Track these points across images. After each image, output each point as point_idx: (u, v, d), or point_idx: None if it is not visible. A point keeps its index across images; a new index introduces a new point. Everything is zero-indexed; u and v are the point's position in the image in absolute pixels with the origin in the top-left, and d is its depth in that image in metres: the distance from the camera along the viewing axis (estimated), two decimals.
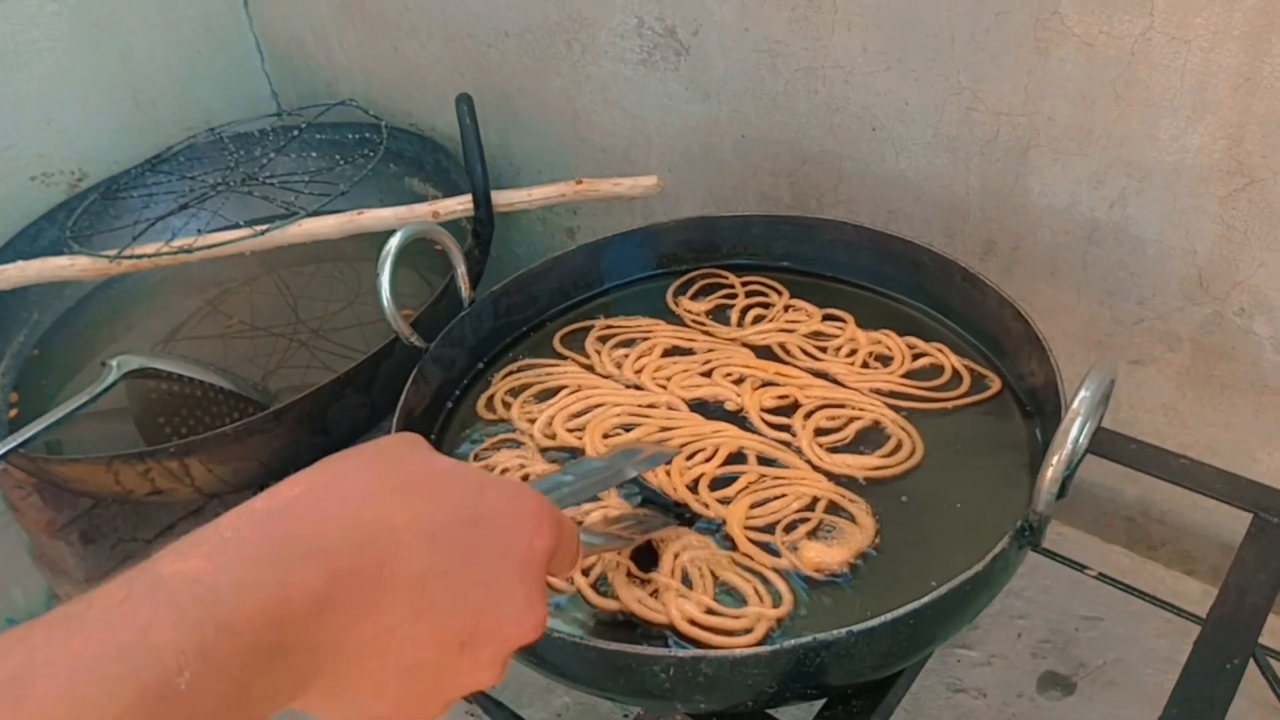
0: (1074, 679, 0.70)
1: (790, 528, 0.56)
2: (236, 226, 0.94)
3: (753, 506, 0.58)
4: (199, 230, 1.04)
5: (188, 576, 0.27)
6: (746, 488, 0.59)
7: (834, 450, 0.61)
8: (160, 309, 1.08)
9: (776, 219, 0.74)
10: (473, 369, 0.70)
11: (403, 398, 0.62)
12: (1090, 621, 0.72)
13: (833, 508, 0.57)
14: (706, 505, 0.58)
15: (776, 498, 0.58)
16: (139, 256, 0.92)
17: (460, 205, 0.91)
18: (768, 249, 0.75)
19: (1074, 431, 0.45)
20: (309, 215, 0.93)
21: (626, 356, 0.69)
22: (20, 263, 0.94)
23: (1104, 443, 0.63)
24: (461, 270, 0.69)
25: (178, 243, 0.92)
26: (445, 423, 0.67)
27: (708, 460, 0.61)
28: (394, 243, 0.63)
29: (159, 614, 0.26)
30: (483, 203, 0.89)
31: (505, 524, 0.34)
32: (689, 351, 0.69)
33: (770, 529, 0.56)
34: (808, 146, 0.81)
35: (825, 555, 0.54)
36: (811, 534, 0.56)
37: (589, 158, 0.97)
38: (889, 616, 0.45)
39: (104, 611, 0.26)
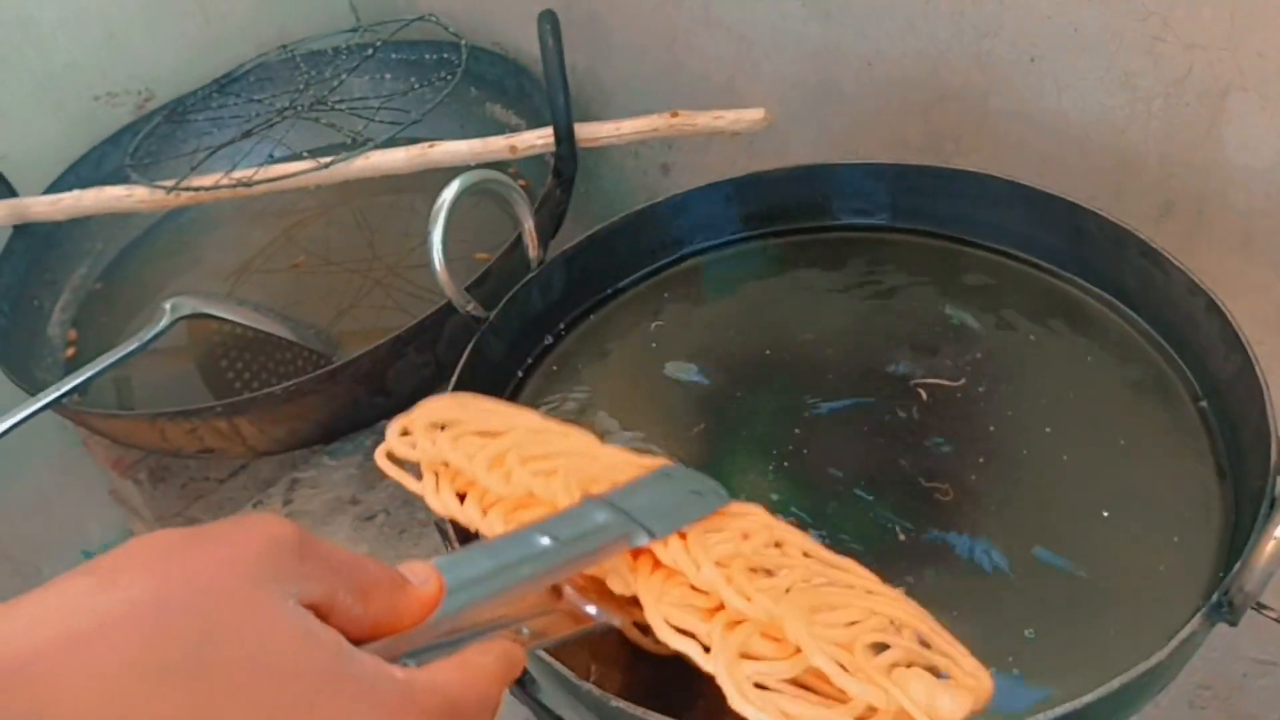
0: None
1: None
2: (301, 157, 0.86)
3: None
4: (270, 156, 0.97)
5: None
6: (793, 587, 0.38)
7: None
8: (231, 240, 1.02)
9: (907, 169, 0.61)
10: (540, 341, 0.61)
11: (454, 377, 0.54)
12: (1263, 666, 0.61)
13: (921, 643, 0.37)
14: (748, 597, 0.36)
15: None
16: (196, 189, 0.85)
17: (540, 139, 0.81)
18: (893, 204, 0.63)
19: None
20: (377, 147, 0.84)
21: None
22: (76, 192, 0.88)
23: None
24: (528, 226, 0.59)
25: (237, 174, 0.85)
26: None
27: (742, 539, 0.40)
28: (447, 196, 0.54)
29: None
30: (565, 137, 0.79)
31: None
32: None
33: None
34: (948, 79, 0.68)
35: (940, 696, 0.33)
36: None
37: (687, 86, 0.85)
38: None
39: None
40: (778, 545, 0.40)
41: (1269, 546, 0.35)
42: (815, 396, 0.55)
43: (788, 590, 0.37)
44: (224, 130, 0.97)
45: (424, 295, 0.92)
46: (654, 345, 0.61)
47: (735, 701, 0.34)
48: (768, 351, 0.58)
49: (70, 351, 0.90)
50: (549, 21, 0.78)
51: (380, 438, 0.83)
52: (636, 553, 0.37)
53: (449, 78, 0.91)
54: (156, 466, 1.01)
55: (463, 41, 0.94)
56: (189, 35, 1.03)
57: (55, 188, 0.93)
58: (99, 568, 0.23)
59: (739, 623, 0.36)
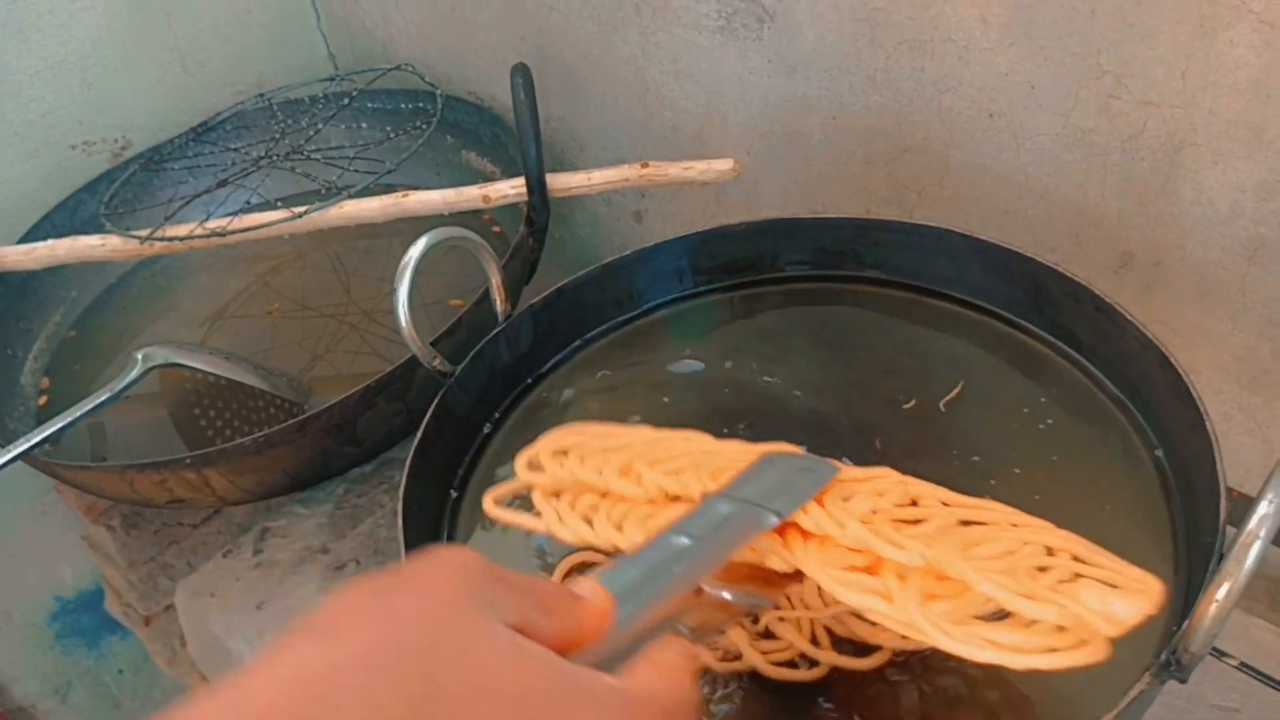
0: None
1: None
2: (276, 206, 0.86)
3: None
4: (246, 203, 0.97)
5: None
6: (941, 529, 0.40)
7: None
8: (206, 287, 1.02)
9: (868, 223, 0.63)
10: (508, 394, 0.61)
11: (420, 433, 0.54)
12: (1225, 713, 0.61)
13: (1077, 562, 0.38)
14: (900, 545, 0.37)
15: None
16: (170, 239, 0.86)
17: (513, 189, 0.82)
18: (856, 257, 0.64)
19: (1250, 558, 0.34)
20: (351, 196, 0.85)
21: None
22: (51, 241, 0.88)
23: None
24: (496, 281, 0.59)
25: (212, 224, 0.85)
26: (474, 460, 0.58)
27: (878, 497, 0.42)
28: (413, 254, 0.54)
29: None
30: (537, 188, 0.80)
31: None
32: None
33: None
34: (910, 133, 0.69)
35: (1114, 600, 0.34)
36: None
37: (659, 135, 0.86)
38: None
39: None
40: (914, 503, 0.42)
41: (1211, 609, 0.35)
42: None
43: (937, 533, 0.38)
44: (200, 179, 0.98)
45: (399, 340, 0.92)
46: (621, 396, 0.61)
47: (940, 641, 0.35)
48: (733, 401, 0.59)
49: (43, 400, 0.90)
50: (521, 75, 0.79)
51: (351, 485, 0.84)
52: (782, 530, 0.39)
53: (424, 127, 0.91)
54: (129, 513, 1.01)
55: (438, 91, 0.95)
56: (166, 84, 1.04)
57: (31, 235, 0.93)
58: (316, 626, 0.24)
59: (905, 573, 0.37)
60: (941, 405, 0.56)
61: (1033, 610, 0.35)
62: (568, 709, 0.24)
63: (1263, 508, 0.34)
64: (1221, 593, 0.35)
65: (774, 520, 0.37)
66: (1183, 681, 0.39)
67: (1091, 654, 0.34)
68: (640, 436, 0.49)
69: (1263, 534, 0.34)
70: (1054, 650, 0.34)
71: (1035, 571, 0.37)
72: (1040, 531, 0.39)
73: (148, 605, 0.99)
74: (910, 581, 0.37)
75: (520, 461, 0.48)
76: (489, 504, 0.47)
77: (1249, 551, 0.34)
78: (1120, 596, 0.34)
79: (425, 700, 0.22)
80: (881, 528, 0.38)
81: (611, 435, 0.49)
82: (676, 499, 0.43)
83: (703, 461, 0.44)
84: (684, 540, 0.34)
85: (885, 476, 0.44)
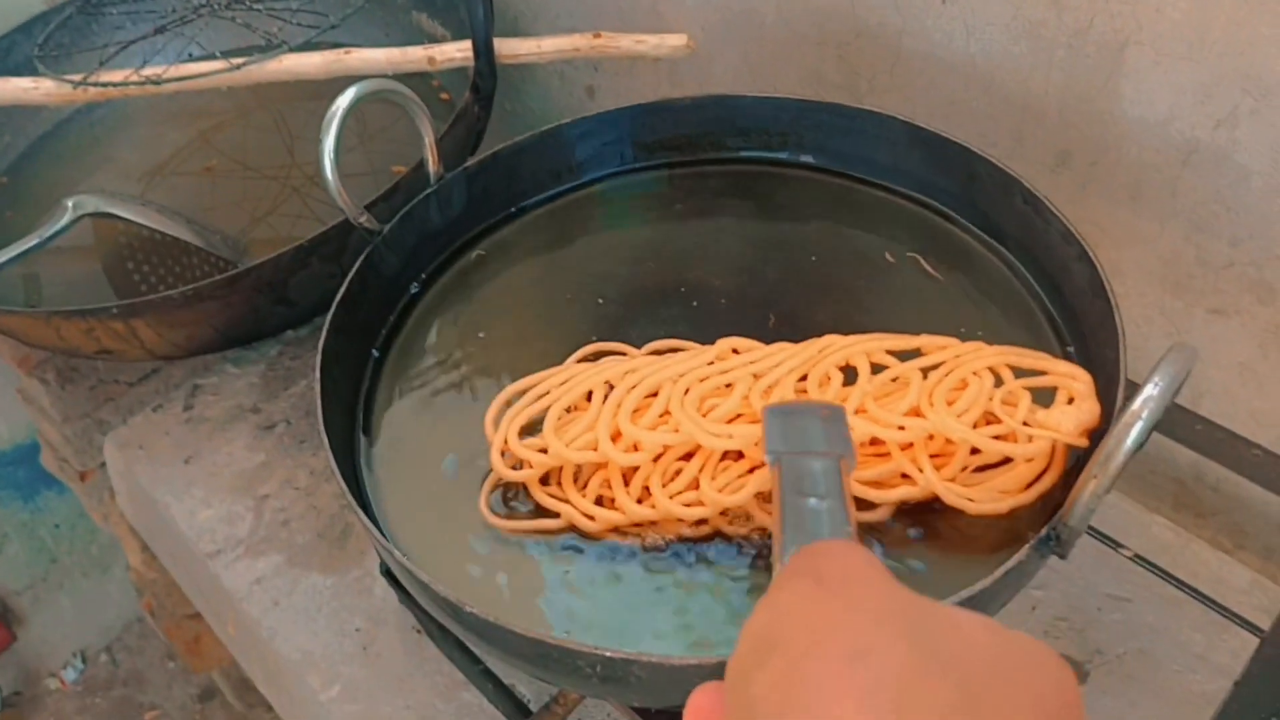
0: (1087, 666, 0.61)
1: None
2: (216, 58, 0.83)
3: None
4: (188, 54, 0.94)
5: None
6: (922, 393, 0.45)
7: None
8: (145, 140, 0.99)
9: (810, 105, 0.62)
10: (438, 257, 0.61)
11: (343, 289, 0.54)
12: (1116, 602, 0.64)
13: (1020, 374, 0.46)
14: (901, 426, 0.44)
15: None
16: (105, 84, 0.83)
17: (460, 52, 0.80)
18: (797, 140, 0.63)
19: (1130, 438, 0.35)
20: (293, 50, 0.82)
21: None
22: None
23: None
24: (429, 140, 0.58)
25: (147, 71, 0.82)
26: (399, 321, 0.58)
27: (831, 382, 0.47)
28: (341, 104, 0.53)
29: None
30: (483, 52, 0.78)
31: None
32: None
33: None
34: (864, 16, 0.68)
35: (1078, 415, 0.42)
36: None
37: (614, 8, 0.84)
38: None
39: None
40: (848, 364, 0.48)
41: (1089, 485, 0.36)
42: (705, 325, 0.56)
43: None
44: (139, 25, 0.94)
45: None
46: (551, 266, 0.61)
47: (964, 506, 0.43)
48: (662, 279, 0.59)
49: None
50: None
51: (285, 346, 0.84)
52: None
53: None
54: (65, 367, 1.00)
55: None
56: None
57: None
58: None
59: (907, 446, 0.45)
60: (865, 295, 0.56)
61: (1026, 451, 0.43)
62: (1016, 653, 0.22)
63: (1148, 389, 0.35)
64: (1099, 468, 0.36)
65: (850, 461, 0.37)
66: (1062, 557, 0.41)
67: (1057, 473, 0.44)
68: (595, 377, 0.50)
69: (1145, 414, 0.35)
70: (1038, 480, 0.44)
71: (1008, 408, 0.44)
72: (979, 355, 0.47)
73: (83, 461, 0.98)
74: (918, 450, 0.44)
75: (494, 455, 0.49)
76: (487, 514, 0.48)
77: (1129, 430, 0.35)
78: (1077, 409, 0.42)
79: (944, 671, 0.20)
80: (878, 413, 0.45)
81: (566, 383, 0.50)
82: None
83: (687, 393, 0.47)
84: (815, 502, 0.33)
85: (832, 344, 0.49)
